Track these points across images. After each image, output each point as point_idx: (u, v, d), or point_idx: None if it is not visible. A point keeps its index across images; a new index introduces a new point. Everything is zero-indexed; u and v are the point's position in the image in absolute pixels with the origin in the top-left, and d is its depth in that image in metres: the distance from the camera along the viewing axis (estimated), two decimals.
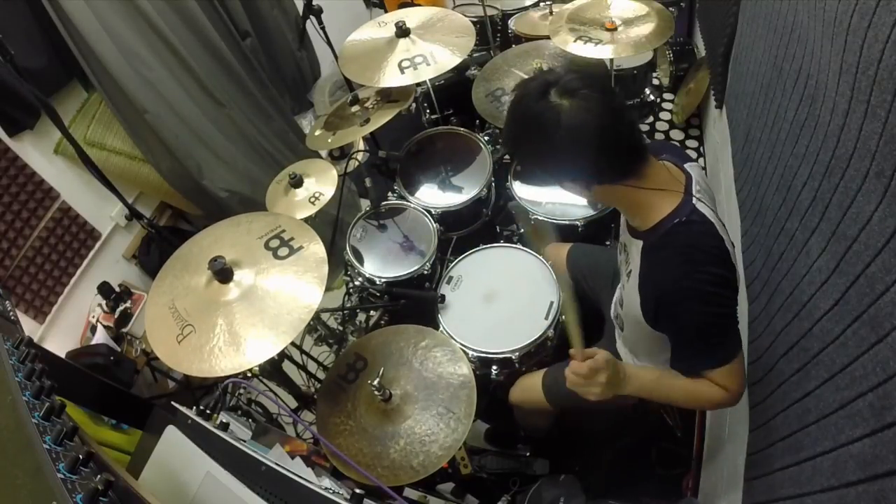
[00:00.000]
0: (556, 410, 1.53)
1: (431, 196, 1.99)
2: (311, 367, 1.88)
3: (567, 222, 1.79)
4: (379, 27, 1.95)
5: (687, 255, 0.99)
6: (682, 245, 0.99)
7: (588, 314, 1.63)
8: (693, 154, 2.63)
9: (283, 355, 1.55)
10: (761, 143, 1.38)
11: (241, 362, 1.13)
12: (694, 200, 1.01)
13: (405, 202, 1.97)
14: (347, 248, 1.87)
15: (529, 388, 1.55)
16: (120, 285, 2.34)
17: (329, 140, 1.88)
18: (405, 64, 1.78)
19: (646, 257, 1.06)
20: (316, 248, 1.30)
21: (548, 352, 1.61)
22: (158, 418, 1.06)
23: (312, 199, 1.77)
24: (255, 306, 1.20)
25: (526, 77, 1.09)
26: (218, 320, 1.18)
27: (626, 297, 1.16)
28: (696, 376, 1.07)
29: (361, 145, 2.32)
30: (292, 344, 1.32)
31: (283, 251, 1.30)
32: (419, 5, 2.49)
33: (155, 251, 2.48)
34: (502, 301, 1.66)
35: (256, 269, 1.26)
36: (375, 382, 1.28)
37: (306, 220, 1.69)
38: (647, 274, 1.05)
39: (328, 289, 1.33)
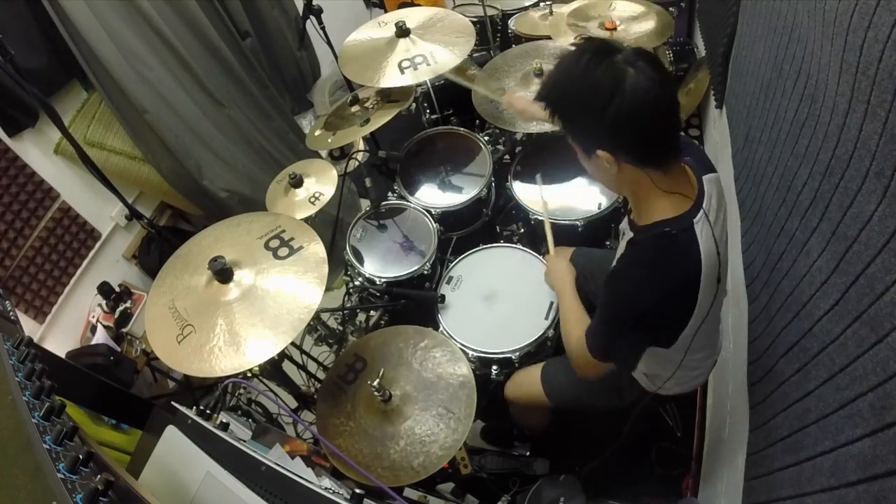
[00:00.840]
0: (553, 405, 1.53)
1: (431, 196, 1.99)
2: (311, 367, 1.88)
3: (567, 222, 1.79)
4: (379, 27, 1.95)
5: (650, 268, 1.02)
6: (653, 257, 1.03)
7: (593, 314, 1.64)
8: None
9: (283, 355, 1.55)
10: (761, 143, 1.38)
11: (241, 362, 1.13)
12: (695, 220, 1.00)
13: (405, 202, 1.97)
14: (347, 248, 1.87)
15: (527, 382, 1.54)
16: (120, 285, 2.34)
17: (329, 140, 1.88)
18: (405, 64, 1.78)
19: (627, 248, 1.10)
20: (316, 248, 1.30)
21: (548, 352, 1.61)
22: (158, 418, 1.06)
23: (312, 199, 1.77)
24: (255, 306, 1.20)
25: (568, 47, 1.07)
26: (218, 320, 1.18)
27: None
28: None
29: (361, 145, 2.32)
30: (292, 344, 1.31)
31: (284, 251, 1.30)
32: (419, 5, 2.49)
33: (155, 251, 2.48)
34: (502, 301, 1.66)
35: (256, 269, 1.26)
36: (375, 383, 1.28)
37: (306, 220, 1.69)
38: (619, 262, 1.12)
39: (328, 289, 1.33)
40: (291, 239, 1.33)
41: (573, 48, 1.00)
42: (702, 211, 1.01)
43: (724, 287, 1.08)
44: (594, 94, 0.93)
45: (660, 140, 0.98)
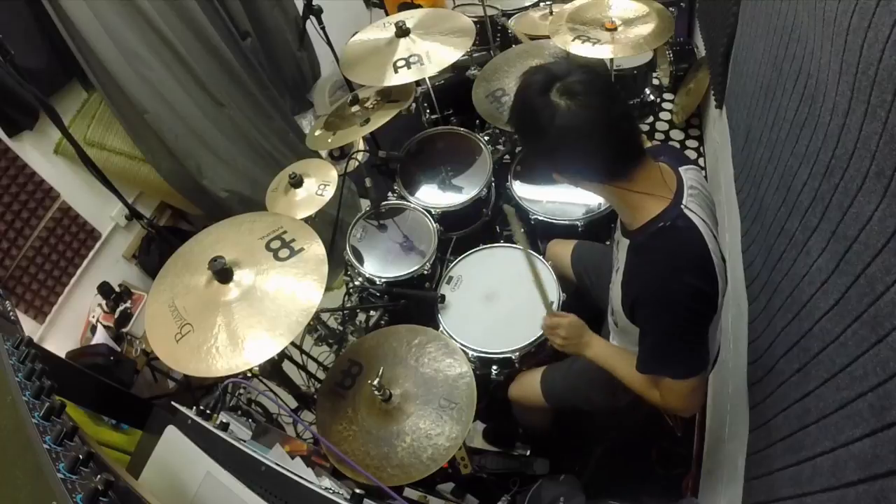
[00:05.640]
0: (551, 407, 1.54)
1: (431, 196, 1.99)
2: (311, 367, 1.88)
3: (567, 222, 1.79)
4: (380, 29, 1.95)
5: (667, 262, 1.01)
6: (663, 250, 1.01)
7: (590, 311, 1.64)
8: (693, 154, 2.63)
9: (283, 355, 1.55)
10: (761, 143, 1.38)
11: (240, 362, 1.13)
12: (682, 205, 1.01)
13: (405, 202, 1.97)
14: (347, 248, 1.87)
15: (528, 385, 1.55)
16: (120, 285, 2.34)
17: (329, 140, 1.88)
18: (412, 60, 1.78)
19: (630, 257, 1.08)
20: (316, 250, 1.30)
21: (548, 352, 1.61)
22: (158, 418, 1.07)
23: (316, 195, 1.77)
24: (255, 307, 1.20)
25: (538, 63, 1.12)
26: (217, 320, 1.18)
27: (613, 293, 1.19)
28: (651, 378, 1.13)
29: (361, 145, 2.32)
30: (292, 344, 1.31)
31: (284, 252, 1.30)
32: (419, 6, 2.49)
33: (155, 251, 2.48)
34: (502, 301, 1.66)
35: (256, 270, 1.26)
36: (375, 382, 1.28)
37: (306, 220, 1.69)
38: (630, 273, 1.08)
39: (328, 289, 1.33)
40: (293, 240, 1.33)
41: (524, 76, 1.04)
42: (684, 198, 1.02)
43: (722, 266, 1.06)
44: (534, 128, 0.99)
45: (608, 158, 0.99)
